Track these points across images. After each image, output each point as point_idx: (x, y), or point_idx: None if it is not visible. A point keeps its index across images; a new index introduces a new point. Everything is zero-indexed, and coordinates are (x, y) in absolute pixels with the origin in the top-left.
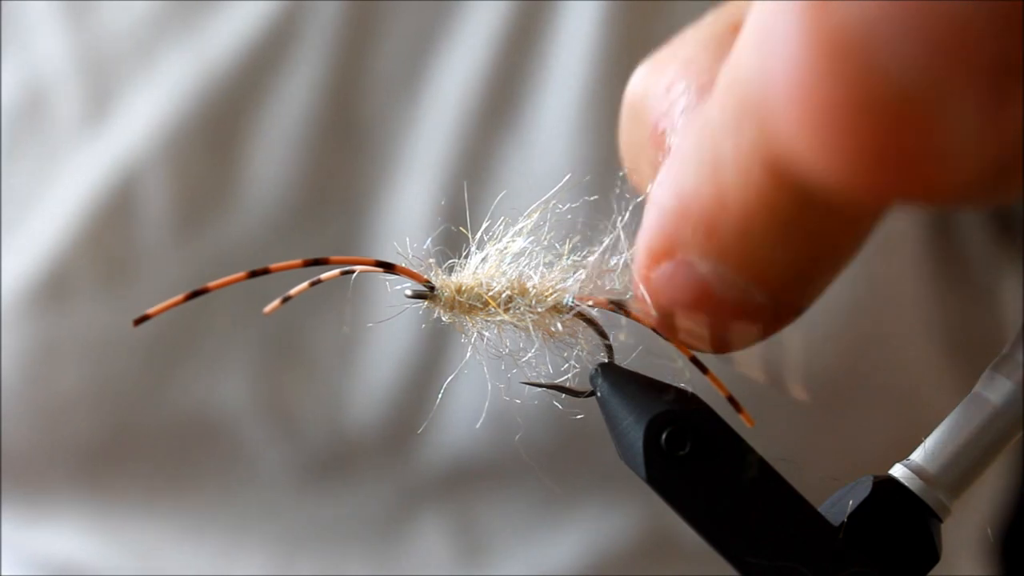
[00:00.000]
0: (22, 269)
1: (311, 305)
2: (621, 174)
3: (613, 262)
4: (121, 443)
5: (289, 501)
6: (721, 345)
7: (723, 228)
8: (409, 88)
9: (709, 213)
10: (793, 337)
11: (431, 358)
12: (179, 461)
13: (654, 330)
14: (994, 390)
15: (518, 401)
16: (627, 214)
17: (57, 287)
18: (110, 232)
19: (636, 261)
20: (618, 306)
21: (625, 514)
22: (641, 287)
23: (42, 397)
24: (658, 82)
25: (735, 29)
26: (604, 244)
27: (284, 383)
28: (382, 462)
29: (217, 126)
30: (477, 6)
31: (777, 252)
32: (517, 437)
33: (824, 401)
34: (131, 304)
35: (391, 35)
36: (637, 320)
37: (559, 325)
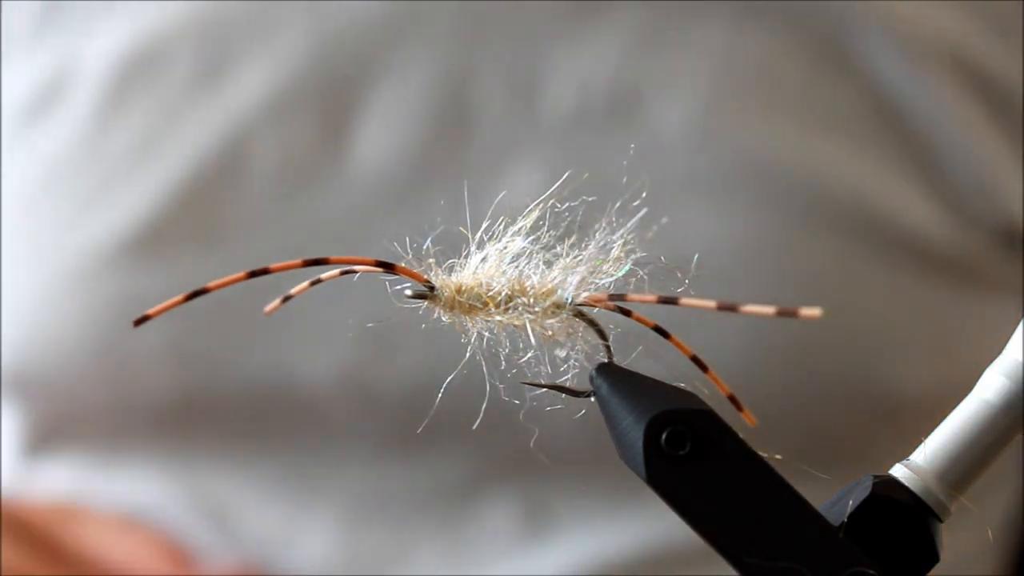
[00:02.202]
0: (120, 221)
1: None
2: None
3: (611, 256)
4: (200, 400)
5: (362, 469)
6: None
7: None
8: (528, 81)
9: None
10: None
11: (517, 343)
12: (256, 422)
13: (655, 329)
14: (994, 390)
15: (516, 402)
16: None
17: (152, 242)
18: (212, 192)
19: None
20: (619, 306)
21: None
22: None
23: (126, 349)
24: None
25: None
26: (598, 240)
27: (370, 355)
28: (459, 438)
29: (331, 98)
30: (612, 5)
31: None
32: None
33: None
34: (224, 265)
35: (517, 25)
36: (638, 320)
37: (558, 325)
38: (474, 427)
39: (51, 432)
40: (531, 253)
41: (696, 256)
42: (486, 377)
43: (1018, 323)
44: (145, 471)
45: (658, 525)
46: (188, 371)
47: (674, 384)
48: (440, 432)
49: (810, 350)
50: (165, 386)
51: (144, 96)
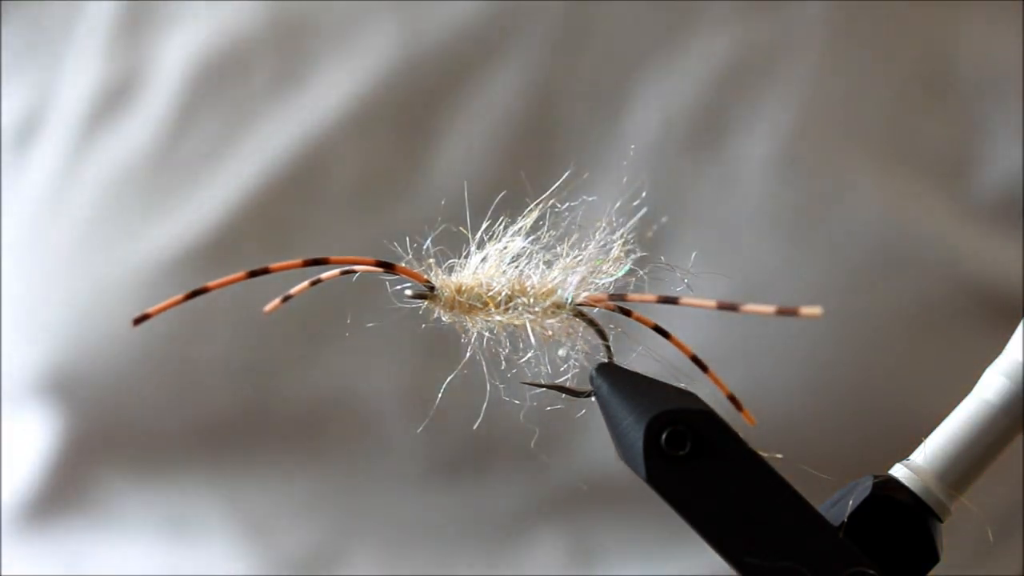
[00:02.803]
0: (189, 228)
1: None
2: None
3: (611, 256)
4: (256, 413)
5: (413, 494)
6: None
7: None
8: (615, 104)
9: None
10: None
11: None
12: (310, 438)
13: (655, 329)
14: (994, 390)
15: (517, 402)
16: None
17: (224, 250)
18: (286, 202)
19: None
20: (619, 306)
21: None
22: None
23: (187, 359)
24: None
25: None
26: (597, 240)
27: (432, 379)
28: (514, 469)
29: (413, 110)
30: (703, 33)
31: None
32: None
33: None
34: (293, 277)
35: (607, 47)
36: (639, 320)
37: (558, 325)
38: (475, 427)
39: (97, 440)
40: (531, 253)
41: (693, 255)
42: (486, 378)
43: None
44: (188, 482)
45: (706, 560)
46: (245, 385)
47: (674, 384)
48: (491, 462)
49: (868, 392)
50: (220, 399)
51: (220, 102)
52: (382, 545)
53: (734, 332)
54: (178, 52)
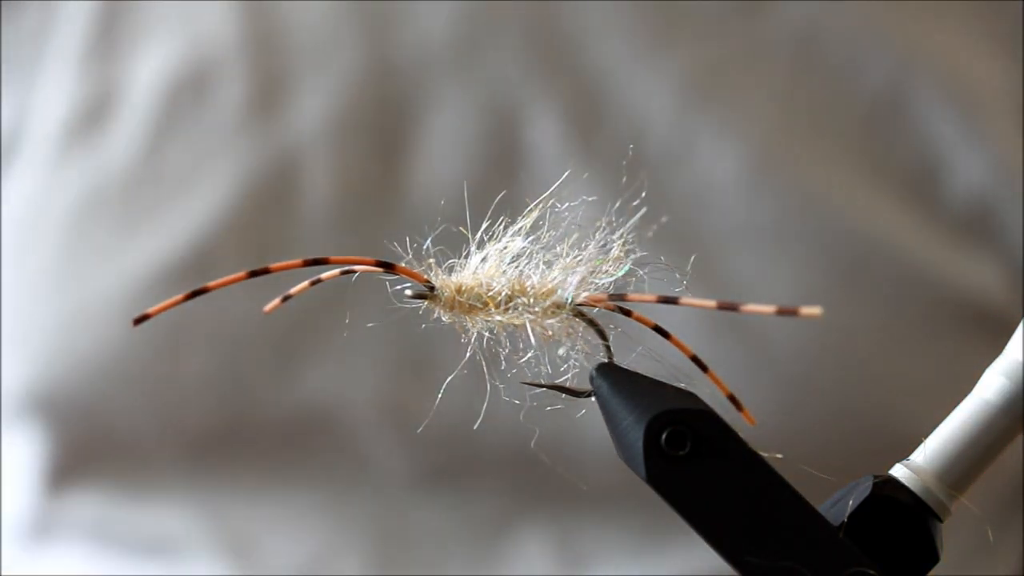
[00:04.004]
0: (169, 245)
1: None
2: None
3: (611, 256)
4: (238, 429)
5: (397, 504)
6: None
7: None
8: (586, 120)
9: None
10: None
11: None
12: (293, 452)
13: (655, 329)
14: (994, 390)
15: (517, 402)
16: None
17: (201, 267)
18: (263, 219)
19: None
20: (619, 306)
21: None
22: None
23: (167, 375)
24: None
25: None
26: (598, 240)
27: (411, 390)
28: (496, 475)
29: (386, 125)
30: (673, 46)
31: None
32: None
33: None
34: (272, 293)
35: (577, 60)
36: (639, 320)
37: (558, 325)
38: (475, 427)
39: (80, 458)
40: (531, 253)
41: (692, 257)
42: (486, 378)
43: None
44: (173, 499)
45: (689, 560)
46: (226, 400)
47: (674, 384)
48: (472, 468)
49: (847, 403)
50: (202, 414)
51: (194, 120)
52: (368, 555)
53: (703, 339)
54: (151, 70)
